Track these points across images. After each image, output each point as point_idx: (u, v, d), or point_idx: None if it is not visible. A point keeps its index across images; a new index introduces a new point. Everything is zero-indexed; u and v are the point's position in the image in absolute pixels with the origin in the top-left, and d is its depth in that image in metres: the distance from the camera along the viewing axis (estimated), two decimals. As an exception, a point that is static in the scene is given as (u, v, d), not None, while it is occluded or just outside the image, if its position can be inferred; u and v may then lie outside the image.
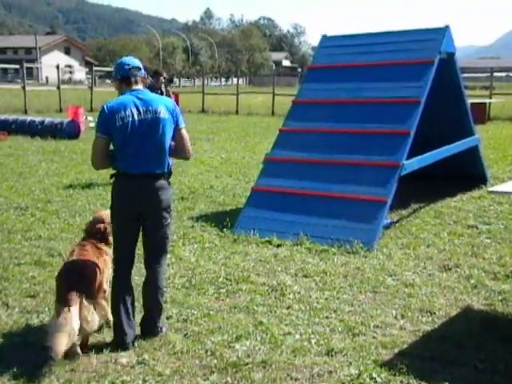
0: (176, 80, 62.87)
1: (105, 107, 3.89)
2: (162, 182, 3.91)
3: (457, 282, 5.07)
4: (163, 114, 3.86)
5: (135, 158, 3.82)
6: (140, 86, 3.98)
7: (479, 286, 4.96)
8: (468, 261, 5.64)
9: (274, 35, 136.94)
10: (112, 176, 3.97)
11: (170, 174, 4.00)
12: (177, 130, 3.98)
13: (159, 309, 4.03)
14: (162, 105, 3.90)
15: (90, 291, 3.75)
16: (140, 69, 3.99)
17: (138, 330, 4.00)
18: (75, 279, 3.72)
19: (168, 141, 3.92)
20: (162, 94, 9.44)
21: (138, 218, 3.91)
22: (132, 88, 3.93)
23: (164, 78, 9.64)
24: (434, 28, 7.70)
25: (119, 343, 3.85)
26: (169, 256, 5.73)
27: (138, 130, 3.81)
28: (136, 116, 3.81)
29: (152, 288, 3.99)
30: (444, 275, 5.27)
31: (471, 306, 4.56)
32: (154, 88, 9.56)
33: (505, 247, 6.05)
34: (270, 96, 25.83)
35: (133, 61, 4.02)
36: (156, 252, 4.01)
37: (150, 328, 4.02)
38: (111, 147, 3.92)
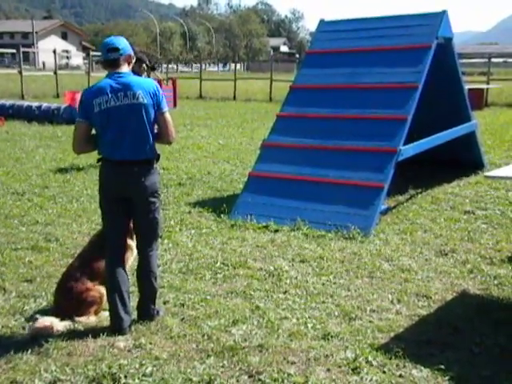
0: (173, 66, 62.66)
1: (84, 92, 3.86)
2: (147, 168, 3.85)
3: (453, 267, 5.09)
4: (142, 98, 3.76)
5: (115, 145, 3.78)
6: (123, 69, 3.85)
7: (475, 271, 4.98)
8: (464, 246, 5.66)
9: (271, 20, 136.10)
10: (98, 160, 3.95)
11: (157, 158, 3.93)
12: (159, 114, 3.87)
13: (153, 293, 4.04)
14: (141, 89, 3.77)
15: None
16: (117, 49, 3.79)
17: (135, 315, 4.02)
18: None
19: (150, 126, 3.83)
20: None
21: (126, 203, 3.88)
22: (114, 71, 3.82)
23: (147, 65, 9.72)
24: (431, 13, 7.66)
25: (116, 329, 3.85)
26: (166, 241, 5.77)
27: (115, 116, 3.74)
28: (113, 102, 3.73)
29: (145, 273, 3.99)
30: (440, 260, 5.29)
31: (467, 291, 4.59)
32: (136, 74, 9.57)
33: (501, 232, 6.07)
34: (268, 82, 25.74)
35: (112, 41, 3.85)
36: (147, 237, 3.99)
37: (146, 312, 4.03)
38: (94, 132, 3.87)
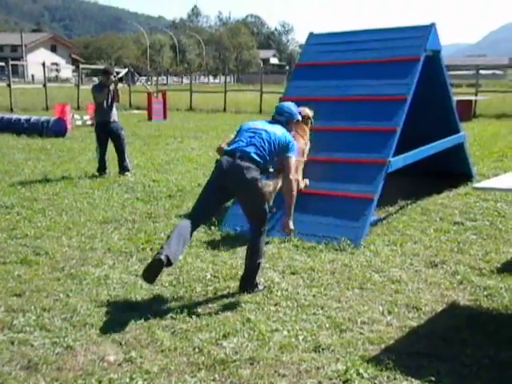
0: (164, 78, 62.75)
1: None
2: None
3: (443, 278, 5.11)
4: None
5: None
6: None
7: (465, 282, 5.00)
8: (454, 257, 5.69)
9: (261, 33, 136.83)
10: None
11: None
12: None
13: (253, 268, 4.72)
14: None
15: None
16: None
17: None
18: None
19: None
20: (109, 92, 9.69)
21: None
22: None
23: (114, 76, 9.93)
24: (419, 26, 7.72)
25: (155, 253, 4.38)
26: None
27: None
28: None
29: (250, 250, 4.78)
30: (430, 271, 5.31)
31: (457, 302, 4.60)
32: (104, 86, 9.78)
33: (490, 243, 6.10)
34: (258, 93, 25.82)
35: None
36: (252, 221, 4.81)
37: (245, 283, 4.73)
38: None
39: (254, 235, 4.76)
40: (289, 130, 4.93)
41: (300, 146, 6.26)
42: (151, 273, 4.31)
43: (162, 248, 4.36)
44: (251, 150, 4.67)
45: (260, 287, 4.79)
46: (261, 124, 4.90)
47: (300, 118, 5.19)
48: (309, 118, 6.79)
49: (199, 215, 4.79)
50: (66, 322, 4.16)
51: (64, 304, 4.51)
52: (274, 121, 4.97)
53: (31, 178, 9.68)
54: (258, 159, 4.66)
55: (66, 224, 6.89)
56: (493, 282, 4.97)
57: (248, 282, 4.75)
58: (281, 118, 4.92)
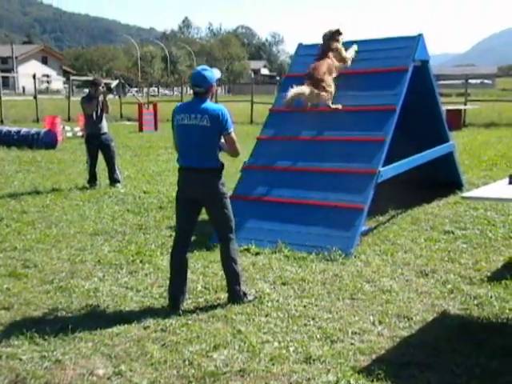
0: (155, 89, 62.77)
1: None
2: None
3: (433, 288, 5.12)
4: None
5: None
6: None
7: (455, 291, 5.01)
8: (444, 266, 5.70)
9: (252, 44, 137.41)
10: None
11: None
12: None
13: (235, 276, 4.77)
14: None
15: None
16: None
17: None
18: None
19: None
20: (99, 103, 9.72)
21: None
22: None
23: (102, 87, 9.98)
24: (407, 36, 7.78)
25: (169, 306, 4.69)
26: (147, 266, 5.76)
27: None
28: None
29: (226, 259, 4.82)
30: (421, 281, 5.31)
31: (448, 311, 4.60)
32: (92, 97, 9.80)
33: (480, 252, 6.12)
34: (249, 104, 25.87)
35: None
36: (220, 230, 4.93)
37: (232, 293, 4.75)
38: None
39: (224, 243, 4.85)
40: (212, 94, 4.83)
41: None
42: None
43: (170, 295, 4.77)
44: (202, 159, 4.72)
45: (250, 297, 4.81)
46: (188, 117, 4.69)
47: (219, 76, 4.88)
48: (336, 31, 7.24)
49: (184, 229, 5.01)
50: (54, 336, 4.13)
51: (53, 317, 4.48)
52: (195, 95, 4.76)
53: (21, 190, 9.64)
54: (213, 164, 4.76)
55: (56, 236, 6.86)
56: (483, 291, 4.98)
57: (235, 292, 4.77)
58: (200, 89, 4.70)
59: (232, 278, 4.79)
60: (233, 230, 4.89)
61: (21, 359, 3.79)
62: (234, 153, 4.92)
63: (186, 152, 4.77)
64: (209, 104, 4.72)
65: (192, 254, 6.14)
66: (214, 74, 4.82)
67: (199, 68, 4.86)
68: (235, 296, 4.76)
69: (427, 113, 8.36)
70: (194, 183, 4.76)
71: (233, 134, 4.80)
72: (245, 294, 4.79)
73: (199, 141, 4.68)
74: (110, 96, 10.44)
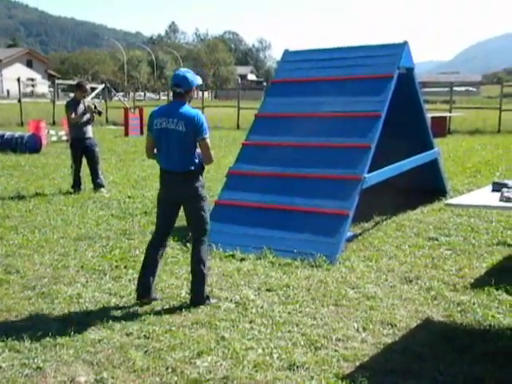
0: (141, 93, 62.61)
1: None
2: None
3: (417, 294, 5.13)
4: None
5: None
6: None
7: (439, 298, 5.02)
8: (428, 272, 5.71)
9: (239, 49, 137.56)
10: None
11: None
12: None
13: (202, 277, 4.81)
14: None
15: None
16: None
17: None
18: None
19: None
20: (84, 109, 9.73)
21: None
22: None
23: (94, 112, 10.01)
24: (392, 44, 7.84)
25: (137, 295, 4.89)
26: (131, 272, 5.71)
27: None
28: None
29: (195, 259, 4.88)
30: (405, 287, 5.32)
31: (431, 318, 4.61)
32: (76, 100, 9.79)
33: (464, 259, 6.15)
34: (236, 109, 25.87)
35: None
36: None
37: (196, 294, 4.79)
38: None
39: (195, 244, 4.92)
40: (190, 98, 4.83)
41: None
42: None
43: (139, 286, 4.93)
44: (182, 163, 4.74)
45: (212, 300, 4.85)
46: (166, 121, 4.72)
47: (200, 82, 4.89)
48: None
49: (164, 226, 5.16)
50: (35, 343, 4.07)
51: (34, 324, 4.42)
52: (174, 95, 4.80)
53: (3, 195, 9.54)
54: (192, 167, 4.76)
55: (39, 242, 6.79)
56: (466, 298, 5.00)
57: (198, 294, 4.81)
58: (180, 89, 4.72)
59: (197, 279, 4.82)
60: (206, 232, 4.94)
61: (0, 367, 3.74)
62: (208, 159, 4.84)
63: (165, 155, 4.79)
64: (186, 108, 4.73)
65: (176, 259, 6.13)
66: (196, 78, 4.82)
67: (182, 69, 4.90)
68: (198, 298, 4.80)
69: (412, 120, 8.43)
70: (174, 186, 4.81)
71: (207, 140, 4.76)
72: (207, 297, 4.83)
73: (177, 145, 4.70)
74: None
